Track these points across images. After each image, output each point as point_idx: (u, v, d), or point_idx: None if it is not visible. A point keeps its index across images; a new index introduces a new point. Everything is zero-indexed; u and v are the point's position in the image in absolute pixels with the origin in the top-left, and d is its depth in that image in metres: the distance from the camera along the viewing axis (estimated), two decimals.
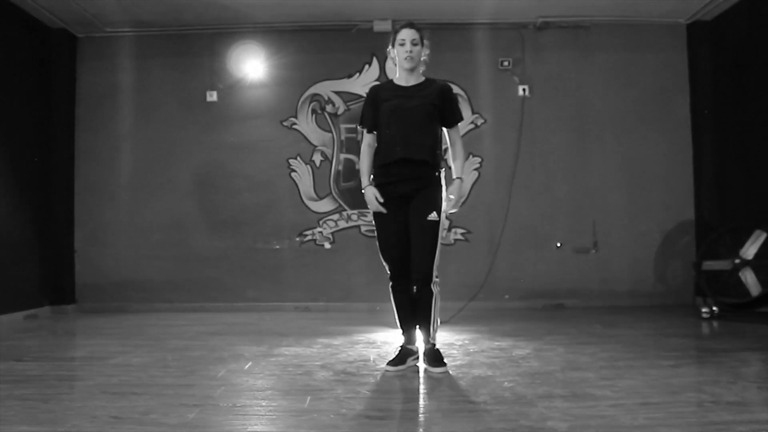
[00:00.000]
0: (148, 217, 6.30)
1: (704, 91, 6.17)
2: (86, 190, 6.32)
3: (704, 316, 5.16)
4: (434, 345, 3.28)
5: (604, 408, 2.43)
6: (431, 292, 3.21)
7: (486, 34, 6.30)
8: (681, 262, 6.15)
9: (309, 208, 6.30)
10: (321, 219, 6.29)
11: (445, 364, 3.19)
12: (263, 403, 2.61)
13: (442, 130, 3.37)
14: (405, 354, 3.30)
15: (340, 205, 6.30)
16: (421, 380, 3.04)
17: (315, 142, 6.33)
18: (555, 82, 6.31)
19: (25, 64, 5.81)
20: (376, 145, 3.36)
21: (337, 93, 6.33)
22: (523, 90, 6.28)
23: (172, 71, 6.38)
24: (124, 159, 6.36)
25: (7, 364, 3.42)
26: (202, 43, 6.35)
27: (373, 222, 3.36)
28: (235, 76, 6.34)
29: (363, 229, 6.25)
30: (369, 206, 3.31)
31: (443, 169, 3.35)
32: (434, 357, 3.21)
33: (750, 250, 5.13)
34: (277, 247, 6.29)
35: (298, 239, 6.29)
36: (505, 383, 2.89)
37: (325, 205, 6.30)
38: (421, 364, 3.27)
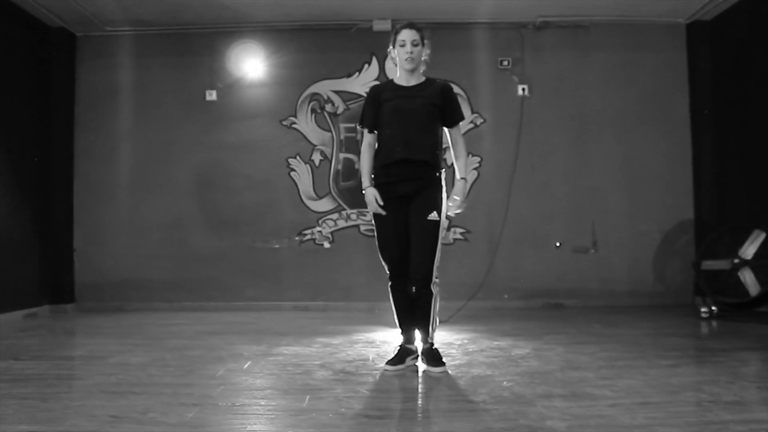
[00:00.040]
0: (148, 216, 6.30)
1: (704, 91, 6.17)
2: (86, 190, 6.31)
3: (703, 315, 5.17)
4: (433, 344, 3.28)
5: (603, 407, 2.43)
6: (431, 292, 3.21)
7: (485, 33, 6.30)
8: (680, 261, 6.15)
9: (308, 208, 6.30)
10: (320, 218, 6.29)
11: (444, 364, 3.19)
12: (262, 403, 2.61)
13: (442, 130, 3.37)
14: (404, 353, 3.30)
15: (340, 205, 6.29)
16: (420, 380, 3.04)
17: (314, 142, 6.33)
18: (554, 81, 6.31)
19: (24, 63, 5.80)
20: (376, 145, 3.36)
21: (337, 92, 6.33)
22: (523, 90, 6.28)
23: (172, 70, 6.38)
24: (124, 158, 6.36)
25: (6, 363, 3.42)
26: (201, 43, 6.34)
27: (373, 222, 3.36)
28: (235, 75, 6.34)
29: (362, 228, 6.25)
30: (369, 207, 3.30)
31: (443, 169, 3.35)
32: (433, 356, 3.21)
33: (749, 250, 5.14)
34: (277, 246, 6.29)
35: (297, 238, 6.29)
36: (504, 383, 2.89)
37: (324, 205, 6.30)
38: (420, 364, 3.27)
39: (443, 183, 3.31)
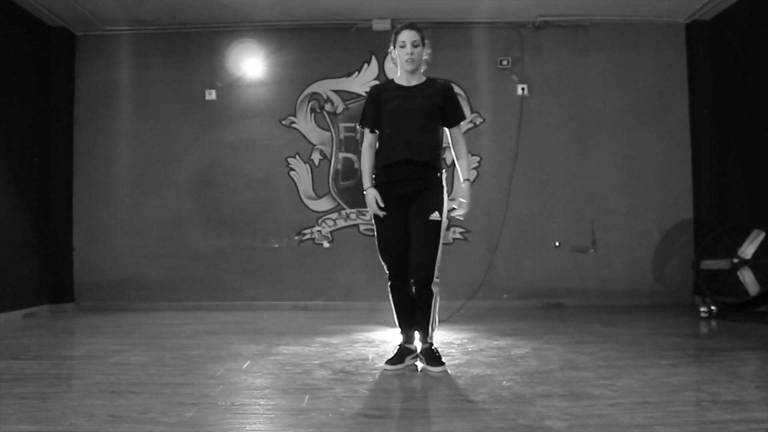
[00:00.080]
0: (147, 215, 6.30)
1: (703, 91, 6.18)
2: (85, 189, 6.31)
3: (703, 315, 5.17)
4: (432, 344, 3.28)
5: (603, 407, 2.43)
6: (431, 292, 3.21)
7: (485, 33, 6.30)
8: (679, 261, 6.15)
9: (308, 207, 6.30)
10: (320, 218, 6.29)
11: (443, 363, 3.19)
12: (261, 402, 2.61)
13: (443, 130, 3.36)
14: (403, 353, 3.30)
15: (339, 204, 6.29)
16: (420, 379, 3.04)
17: (314, 141, 6.32)
18: (554, 81, 6.31)
19: (24, 62, 5.80)
20: (377, 145, 3.36)
21: (336, 92, 6.33)
22: (522, 89, 6.29)
23: (171, 70, 6.37)
24: (123, 157, 6.35)
25: (6, 363, 3.42)
26: (201, 42, 6.34)
27: (373, 222, 3.36)
28: (234, 74, 6.33)
29: (362, 228, 6.25)
30: (369, 208, 3.30)
31: (444, 169, 3.35)
32: (432, 356, 3.21)
33: (748, 250, 5.14)
34: (276, 245, 6.29)
35: (296, 238, 6.29)
36: (504, 382, 2.89)
37: (323, 204, 6.30)
38: (420, 364, 3.27)
39: (444, 183, 3.31)
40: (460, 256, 6.10)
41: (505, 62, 6.28)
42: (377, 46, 6.10)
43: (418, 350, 3.32)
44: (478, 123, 6.29)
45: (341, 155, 6.32)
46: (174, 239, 6.27)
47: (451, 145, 3.40)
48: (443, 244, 3.26)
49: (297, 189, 6.31)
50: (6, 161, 5.45)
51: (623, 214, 6.22)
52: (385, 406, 2.56)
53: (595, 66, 6.31)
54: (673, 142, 6.24)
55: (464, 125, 6.09)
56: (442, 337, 4.15)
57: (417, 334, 3.33)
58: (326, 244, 6.28)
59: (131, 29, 6.29)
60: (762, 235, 5.09)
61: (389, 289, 3.35)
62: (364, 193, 3.31)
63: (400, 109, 3.24)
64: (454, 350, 3.77)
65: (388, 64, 6.03)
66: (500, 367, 3.24)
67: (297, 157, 6.32)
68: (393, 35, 3.33)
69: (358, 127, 3.51)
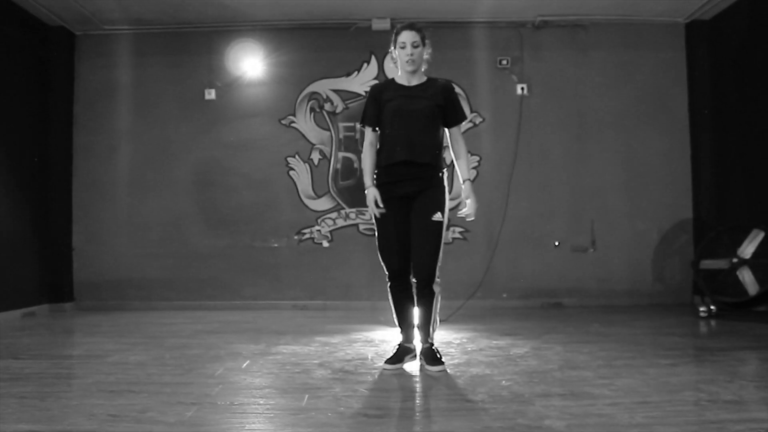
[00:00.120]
0: (146, 215, 6.30)
1: (702, 90, 6.18)
2: (85, 188, 6.31)
3: (702, 315, 5.17)
4: (432, 344, 3.28)
5: (602, 407, 2.43)
6: (432, 292, 3.22)
7: (484, 32, 6.30)
8: (679, 261, 6.16)
9: (307, 207, 6.30)
10: (319, 217, 6.29)
11: (442, 363, 3.19)
12: (261, 402, 2.61)
13: (444, 129, 3.36)
14: (403, 352, 3.30)
15: (339, 204, 6.29)
16: (419, 379, 3.04)
17: (313, 141, 6.32)
18: (553, 80, 6.31)
19: (23, 61, 5.80)
20: (378, 144, 3.35)
21: (336, 91, 6.33)
22: (522, 89, 6.29)
23: (171, 69, 6.37)
24: (122, 157, 6.35)
25: (5, 362, 3.42)
26: (200, 41, 6.34)
27: (374, 221, 3.35)
28: (234, 74, 6.33)
29: (361, 227, 6.25)
30: (369, 207, 3.29)
31: (445, 169, 3.35)
32: (432, 356, 3.21)
33: (748, 249, 5.14)
34: (275, 245, 6.29)
35: (296, 237, 6.28)
36: (503, 382, 2.89)
37: (323, 204, 6.30)
38: (419, 363, 3.27)
39: (445, 183, 3.31)
40: (459, 256, 6.10)
41: (504, 62, 6.28)
42: (377, 45, 6.10)
43: (418, 350, 3.32)
44: (477, 122, 6.29)
45: (341, 155, 6.32)
46: (173, 239, 6.27)
47: (450, 145, 3.40)
48: (443, 243, 3.26)
49: (296, 188, 6.31)
50: (5, 161, 5.45)
51: (623, 213, 6.22)
52: (384, 406, 2.56)
53: (595, 66, 6.31)
54: (672, 142, 6.24)
55: (464, 125, 6.08)
56: (441, 336, 4.14)
57: (417, 334, 3.33)
58: (326, 244, 6.28)
59: (131, 29, 6.29)
60: (761, 235, 5.09)
61: (389, 288, 3.34)
62: (366, 192, 3.31)
63: (402, 109, 3.24)
64: (453, 350, 3.77)
65: (388, 64, 6.04)
66: (499, 367, 3.24)
67: (296, 156, 6.32)
68: (393, 35, 3.32)
69: (359, 126, 3.51)
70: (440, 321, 3.61)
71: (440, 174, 3.29)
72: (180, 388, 2.80)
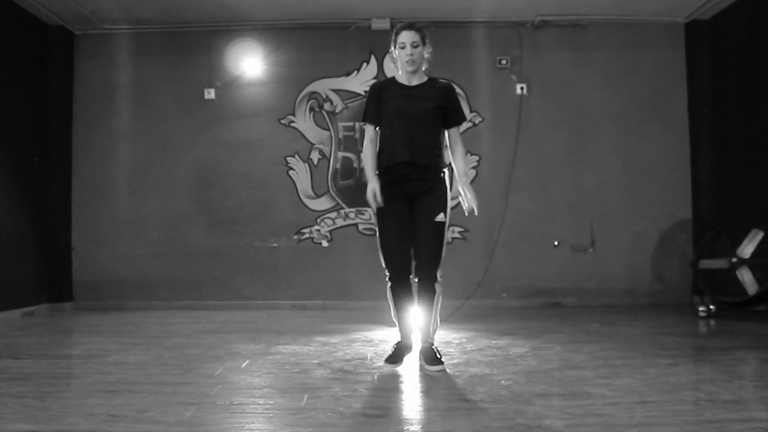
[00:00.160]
0: (146, 214, 6.29)
1: (702, 90, 6.18)
2: (84, 188, 6.31)
3: (701, 314, 5.17)
4: (432, 344, 3.28)
5: (601, 406, 2.43)
6: (434, 291, 3.22)
7: (484, 32, 6.30)
8: (678, 260, 6.16)
9: (306, 206, 6.30)
10: (318, 217, 6.29)
11: (442, 363, 3.18)
12: (260, 401, 2.61)
13: (444, 130, 3.36)
14: (401, 351, 3.30)
15: (338, 203, 6.29)
16: (419, 379, 3.04)
17: (313, 140, 6.32)
18: (553, 80, 6.31)
19: (22, 61, 5.79)
20: (378, 142, 3.35)
21: (335, 91, 6.33)
22: (521, 88, 6.29)
23: (170, 69, 6.37)
24: (122, 157, 6.35)
25: (4, 362, 3.42)
26: (200, 41, 6.33)
27: (375, 220, 3.34)
28: (233, 73, 6.33)
29: (360, 227, 6.25)
30: (368, 198, 3.25)
31: (446, 169, 3.35)
32: (432, 355, 3.21)
33: (747, 249, 5.14)
34: (275, 245, 6.28)
35: (295, 237, 6.28)
36: (502, 381, 2.89)
37: (322, 203, 6.30)
38: (419, 363, 3.27)
39: (447, 183, 3.32)
40: (458, 256, 6.09)
41: (504, 61, 6.28)
42: (376, 45, 6.10)
43: (418, 349, 3.32)
44: (477, 122, 6.29)
45: (340, 154, 6.32)
46: (173, 238, 6.27)
47: (448, 145, 3.40)
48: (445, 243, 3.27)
49: (296, 188, 6.31)
50: (5, 161, 5.45)
51: (622, 213, 6.22)
52: (383, 406, 2.55)
53: (594, 65, 6.31)
54: (672, 141, 6.24)
55: (463, 125, 6.08)
56: (440, 336, 4.13)
57: (417, 334, 3.33)
58: (325, 244, 6.27)
59: (130, 28, 6.29)
60: (760, 235, 5.10)
61: (389, 288, 3.33)
62: (367, 184, 3.27)
63: (402, 110, 3.23)
64: (452, 349, 3.77)
65: (388, 64, 6.05)
66: (499, 367, 3.24)
67: (296, 156, 6.32)
68: (393, 35, 3.31)
69: (359, 124, 3.50)
70: (440, 321, 3.61)
71: (442, 174, 3.29)
72: (179, 388, 2.80)
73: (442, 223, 3.22)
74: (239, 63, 6.30)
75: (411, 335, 3.35)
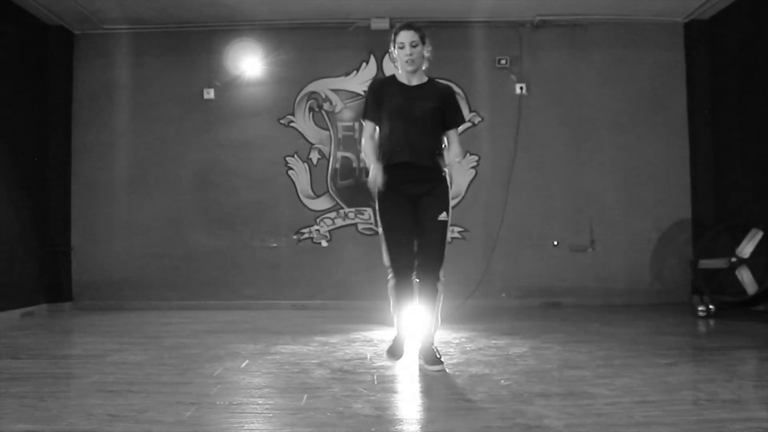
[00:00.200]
0: (145, 214, 6.29)
1: (701, 90, 6.18)
2: (83, 188, 6.30)
3: (701, 314, 5.17)
4: (432, 343, 3.27)
5: (601, 406, 2.43)
6: (436, 291, 3.22)
7: (483, 32, 6.30)
8: (678, 260, 6.16)
9: (306, 206, 6.30)
10: (318, 217, 6.29)
11: (442, 363, 3.18)
12: (260, 401, 2.61)
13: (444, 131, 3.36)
14: (400, 343, 3.32)
15: (337, 203, 6.29)
16: (418, 379, 3.04)
17: (312, 140, 6.32)
18: (552, 80, 6.32)
19: (21, 61, 5.79)
20: (377, 139, 3.35)
21: (335, 91, 6.33)
22: (521, 88, 6.29)
23: (170, 68, 6.37)
24: (121, 156, 6.34)
25: (4, 362, 3.41)
26: (199, 41, 6.33)
27: (378, 217, 3.33)
28: (233, 73, 6.33)
29: (360, 227, 6.25)
30: (369, 183, 3.24)
31: (447, 168, 3.35)
32: (431, 355, 3.20)
33: (746, 249, 5.15)
34: (274, 245, 6.28)
35: (295, 237, 6.28)
36: (502, 381, 2.89)
37: (322, 203, 6.30)
38: (419, 362, 3.27)
39: (448, 182, 3.32)
40: (458, 255, 6.07)
41: (503, 61, 6.29)
42: (376, 45, 6.10)
43: (417, 348, 3.32)
44: (476, 122, 6.29)
45: (340, 154, 6.32)
46: (172, 238, 6.26)
47: (447, 145, 3.40)
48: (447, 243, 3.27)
49: (295, 188, 6.30)
50: (4, 160, 5.44)
51: (621, 213, 6.22)
52: (383, 406, 2.55)
53: (594, 65, 6.31)
54: (671, 141, 6.24)
55: (463, 125, 6.09)
56: (440, 336, 4.13)
57: (417, 333, 3.33)
58: (324, 243, 6.27)
59: (129, 28, 6.28)
60: (760, 234, 5.10)
61: (390, 288, 3.33)
62: (370, 171, 3.25)
63: (402, 111, 3.23)
64: (452, 349, 3.77)
65: (387, 64, 6.04)
66: (498, 366, 3.24)
67: (295, 156, 6.31)
68: (392, 35, 3.31)
69: (361, 121, 3.49)
70: (440, 321, 3.61)
71: (443, 173, 3.29)
72: (179, 388, 2.80)
73: (445, 222, 3.23)
74: (239, 63, 6.30)
75: (407, 330, 3.35)
